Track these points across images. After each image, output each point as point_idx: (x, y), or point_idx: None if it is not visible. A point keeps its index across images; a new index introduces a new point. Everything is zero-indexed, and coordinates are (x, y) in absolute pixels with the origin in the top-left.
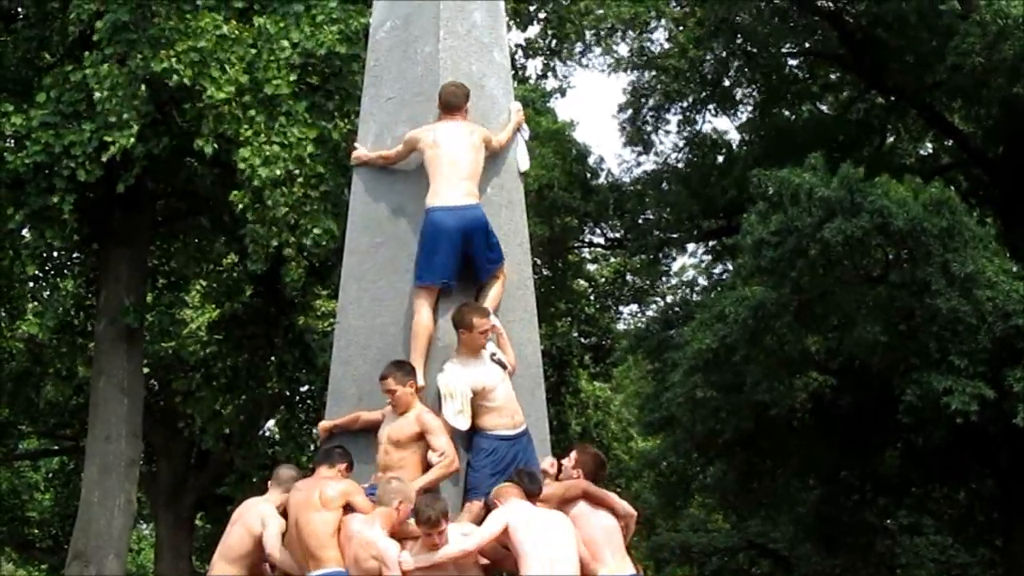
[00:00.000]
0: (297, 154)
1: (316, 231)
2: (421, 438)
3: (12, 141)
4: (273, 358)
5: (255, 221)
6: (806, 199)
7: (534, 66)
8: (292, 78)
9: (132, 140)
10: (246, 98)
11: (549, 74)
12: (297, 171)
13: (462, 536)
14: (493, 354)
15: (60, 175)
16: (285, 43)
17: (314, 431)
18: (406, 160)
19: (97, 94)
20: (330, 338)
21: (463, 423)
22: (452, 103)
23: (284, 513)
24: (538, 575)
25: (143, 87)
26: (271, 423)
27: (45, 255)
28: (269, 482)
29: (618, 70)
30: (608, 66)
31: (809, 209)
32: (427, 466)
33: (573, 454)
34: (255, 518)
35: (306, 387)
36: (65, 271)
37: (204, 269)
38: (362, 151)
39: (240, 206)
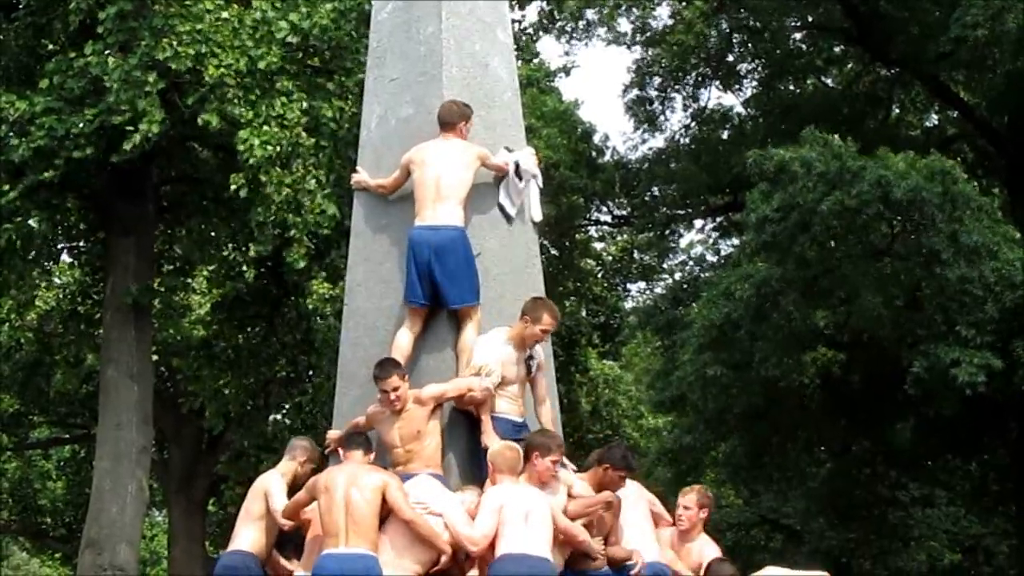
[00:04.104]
0: (297, 132)
1: (317, 211)
2: (434, 417)
3: (15, 128)
4: (275, 339)
5: (257, 203)
6: (805, 175)
7: (521, 43)
8: (282, 53)
9: (156, 126)
10: (246, 80)
11: (540, 53)
12: (293, 150)
13: (459, 505)
14: (530, 357)
15: (60, 156)
16: (283, 24)
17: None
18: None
19: (109, 85)
20: (328, 321)
21: (489, 384)
22: (445, 120)
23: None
24: (510, 552)
25: (153, 75)
26: (286, 407)
27: (50, 240)
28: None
29: (620, 45)
30: (611, 41)
31: (809, 184)
32: (442, 449)
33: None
34: (260, 487)
35: (314, 371)
36: (72, 260)
37: (208, 254)
38: (362, 176)
39: (235, 186)
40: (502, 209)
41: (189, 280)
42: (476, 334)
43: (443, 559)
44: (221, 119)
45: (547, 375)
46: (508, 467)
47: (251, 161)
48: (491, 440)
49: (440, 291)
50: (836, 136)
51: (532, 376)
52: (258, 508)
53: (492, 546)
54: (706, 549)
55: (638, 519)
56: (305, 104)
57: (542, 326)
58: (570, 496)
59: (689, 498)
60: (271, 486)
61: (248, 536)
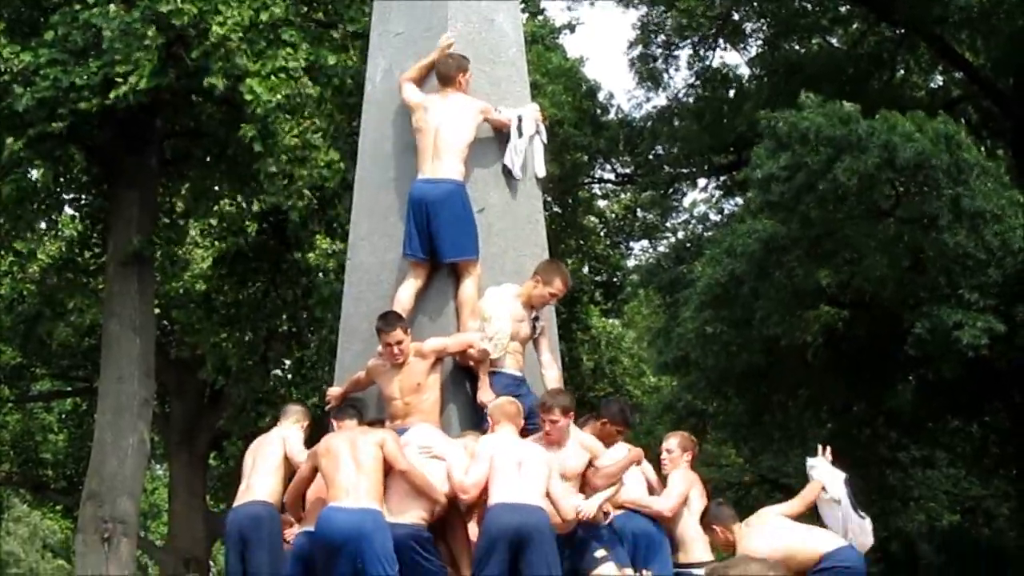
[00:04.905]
0: (302, 83)
1: (322, 163)
2: (435, 371)
3: (20, 78)
4: (275, 293)
5: (266, 154)
6: (814, 139)
7: None
8: (286, 4)
9: (145, 80)
10: (250, 34)
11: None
12: (299, 99)
13: (461, 451)
14: (536, 319)
15: (65, 107)
16: None
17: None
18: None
19: (107, 34)
20: (329, 276)
21: (493, 350)
22: (443, 74)
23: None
24: (503, 500)
25: (152, 28)
26: (287, 362)
27: (54, 192)
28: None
29: (628, 5)
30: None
31: (817, 148)
32: (441, 403)
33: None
34: (277, 437)
35: (315, 326)
36: (74, 212)
37: (209, 208)
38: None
39: (249, 135)
40: (507, 170)
41: (191, 232)
42: (475, 289)
43: (437, 509)
44: (226, 78)
45: (551, 339)
46: (506, 418)
47: (259, 111)
48: (487, 396)
49: (437, 244)
50: (845, 102)
51: (535, 338)
52: (275, 458)
53: (485, 494)
54: (674, 476)
55: (630, 480)
56: (309, 56)
57: (552, 289)
58: (592, 465)
59: (671, 442)
60: (290, 436)
61: (266, 486)
